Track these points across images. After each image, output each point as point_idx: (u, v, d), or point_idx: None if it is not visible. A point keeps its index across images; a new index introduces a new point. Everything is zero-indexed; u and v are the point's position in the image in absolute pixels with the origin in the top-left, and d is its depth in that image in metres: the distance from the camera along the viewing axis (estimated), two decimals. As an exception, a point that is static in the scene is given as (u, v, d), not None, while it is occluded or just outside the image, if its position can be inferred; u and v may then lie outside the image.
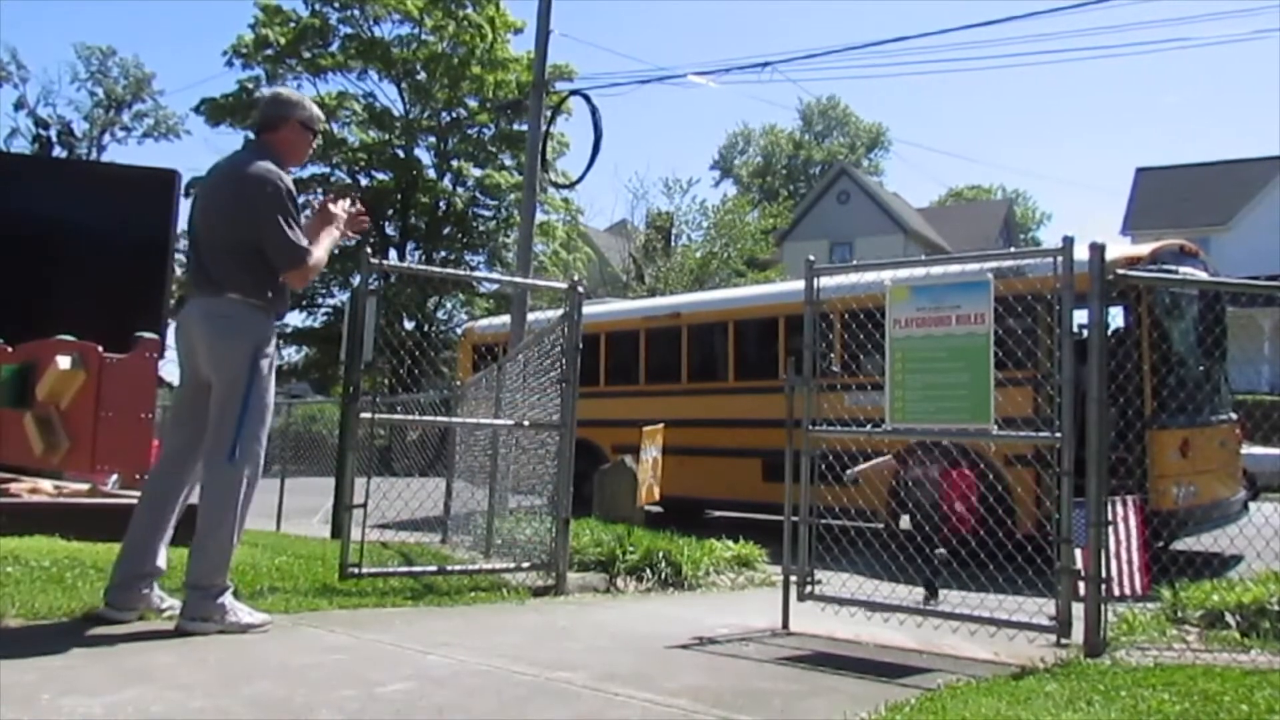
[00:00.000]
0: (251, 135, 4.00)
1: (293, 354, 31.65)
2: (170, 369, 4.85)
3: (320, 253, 3.85)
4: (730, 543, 6.51)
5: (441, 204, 30.64)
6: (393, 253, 29.27)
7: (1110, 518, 3.99)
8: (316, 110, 4.06)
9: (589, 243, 32.82)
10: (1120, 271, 4.48)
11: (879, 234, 36.56)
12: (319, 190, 29.94)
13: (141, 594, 3.71)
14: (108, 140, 40.60)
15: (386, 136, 29.58)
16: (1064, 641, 3.89)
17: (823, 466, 4.74)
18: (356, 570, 4.82)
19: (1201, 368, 7.93)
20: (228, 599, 3.67)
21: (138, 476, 5.73)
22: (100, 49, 40.29)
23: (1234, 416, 8.52)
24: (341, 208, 4.04)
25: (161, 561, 3.75)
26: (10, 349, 5.50)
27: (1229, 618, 4.21)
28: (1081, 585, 3.88)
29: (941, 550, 5.52)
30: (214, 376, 3.69)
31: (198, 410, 3.74)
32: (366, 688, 2.97)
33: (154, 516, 3.74)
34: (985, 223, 43.76)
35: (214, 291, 3.71)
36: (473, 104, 30.18)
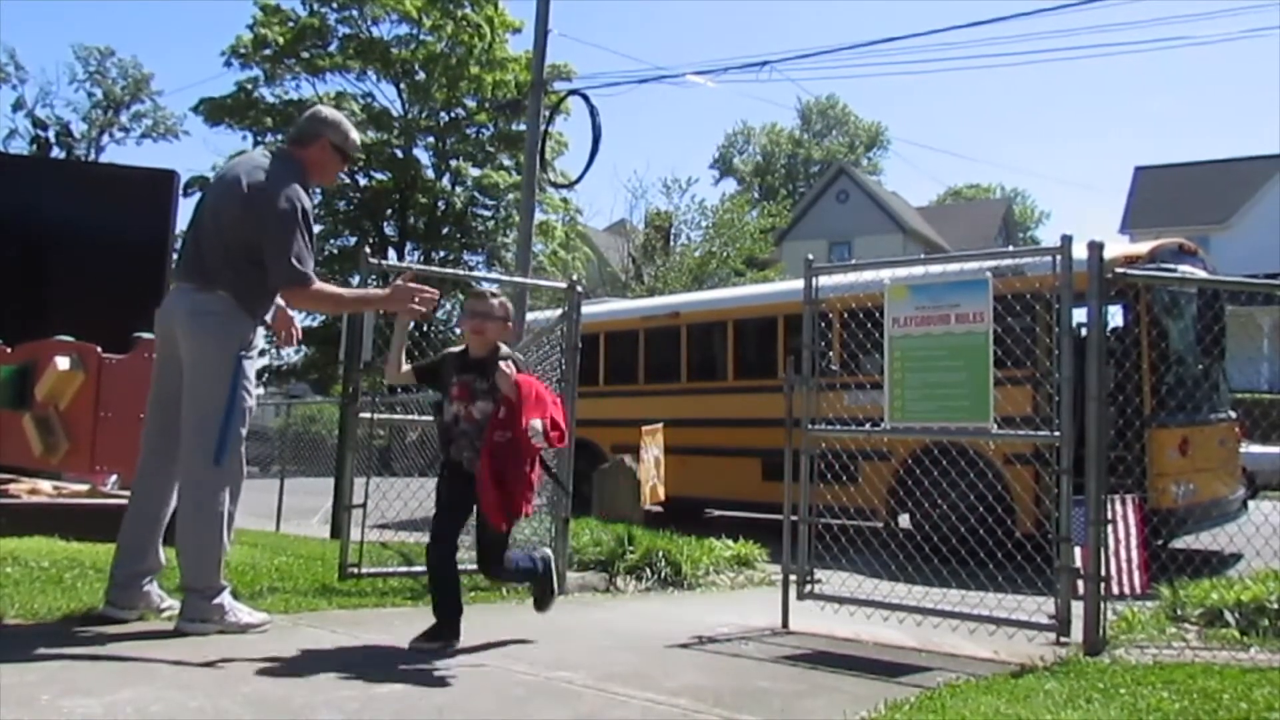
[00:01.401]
0: (287, 145, 3.97)
1: (292, 354, 31.60)
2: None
3: (332, 289, 3.83)
4: (730, 542, 6.51)
5: (440, 204, 30.61)
6: (391, 253, 29.23)
7: (1109, 516, 4.00)
8: (354, 135, 4.02)
9: (588, 242, 32.79)
10: (1119, 270, 4.48)
11: (878, 233, 36.57)
12: (318, 189, 29.91)
13: (142, 592, 3.71)
14: (106, 141, 40.55)
15: (385, 137, 29.53)
16: (1063, 640, 3.89)
17: (822, 466, 4.74)
18: (356, 570, 4.82)
19: (1200, 366, 7.93)
20: (226, 599, 3.67)
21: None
22: (99, 49, 40.22)
23: (1233, 415, 8.52)
24: (401, 285, 3.90)
25: (160, 556, 3.75)
26: (9, 349, 5.50)
27: (1228, 616, 4.21)
28: (1081, 584, 3.88)
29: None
30: (193, 372, 3.65)
31: (178, 401, 3.70)
32: (366, 688, 2.97)
33: (148, 513, 3.73)
34: (984, 221, 43.77)
35: (204, 285, 3.68)
36: (471, 104, 30.15)
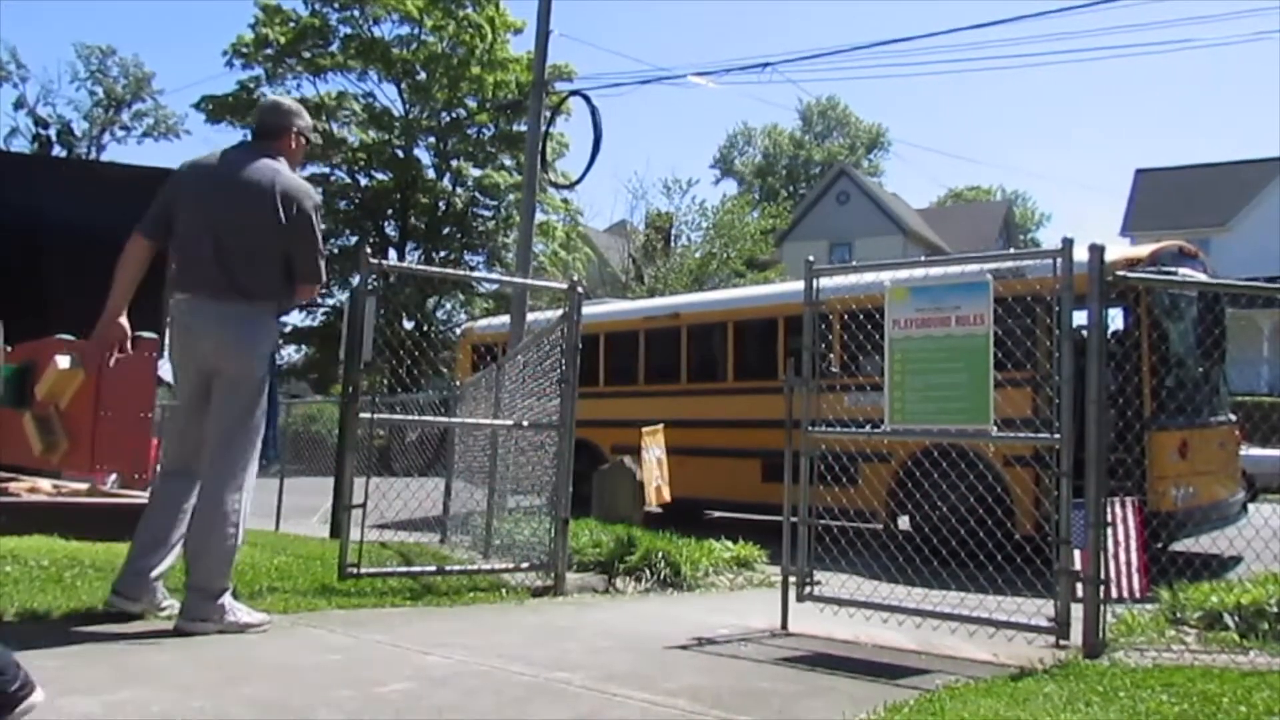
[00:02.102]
0: (250, 139, 3.98)
1: (292, 354, 31.65)
2: (168, 368, 4.84)
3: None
4: (729, 543, 6.51)
5: (441, 204, 30.64)
6: (392, 253, 29.26)
7: (1109, 519, 3.99)
8: (309, 120, 4.16)
9: (588, 243, 32.81)
10: (1120, 273, 4.49)
11: (878, 234, 36.58)
12: (319, 189, 29.89)
13: (150, 585, 3.73)
14: (107, 139, 40.58)
15: (386, 136, 29.57)
16: (1063, 643, 3.89)
17: (822, 467, 4.74)
18: (355, 570, 4.82)
19: (1200, 369, 7.93)
20: (227, 599, 3.68)
21: (136, 476, 5.74)
22: (100, 48, 40.26)
23: (1233, 418, 8.53)
24: None
25: (175, 554, 3.76)
26: (10, 349, 5.49)
27: (1228, 619, 4.21)
28: (1080, 586, 3.88)
29: None
30: (235, 380, 3.74)
31: (204, 407, 3.79)
32: (365, 688, 2.97)
33: (170, 516, 3.75)
34: (984, 223, 43.77)
35: (240, 297, 3.74)
36: (472, 104, 30.16)
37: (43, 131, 37.49)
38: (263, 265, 3.75)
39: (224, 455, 3.68)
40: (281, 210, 3.72)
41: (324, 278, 3.96)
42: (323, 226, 4.02)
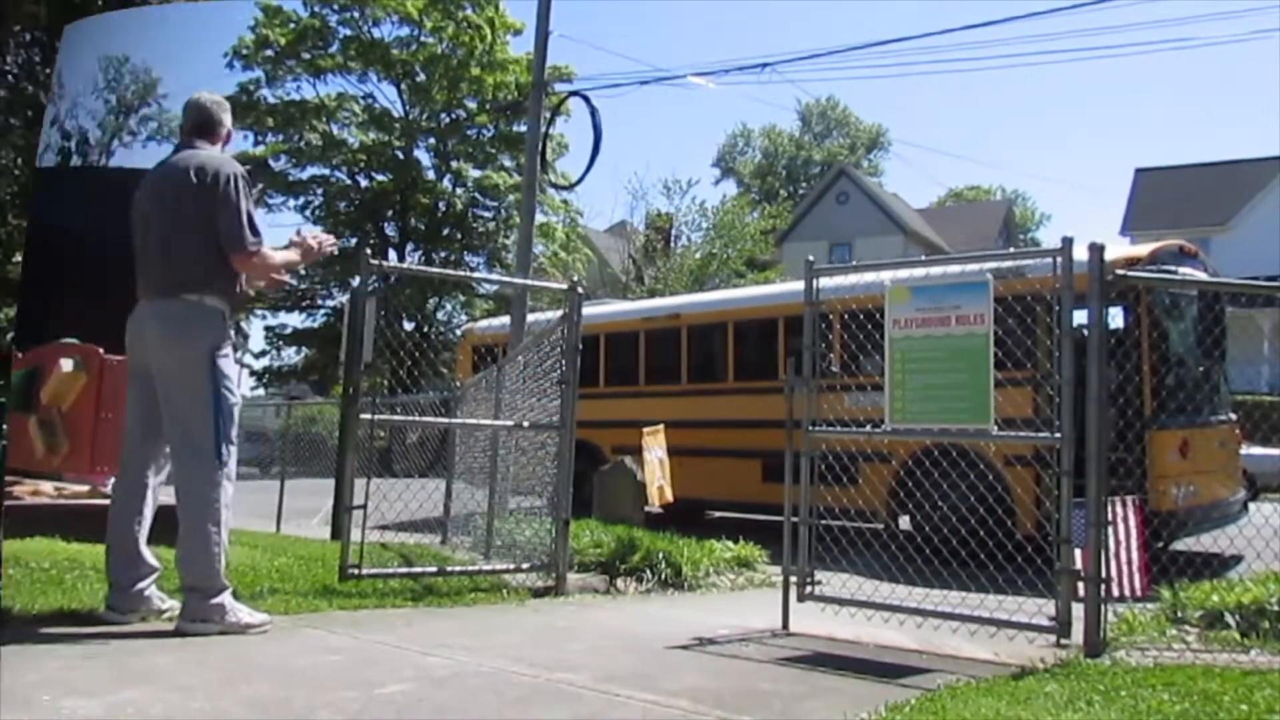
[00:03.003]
0: (186, 135, 3.97)
1: (292, 355, 31.65)
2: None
3: (277, 256, 3.89)
4: (730, 543, 6.51)
5: (441, 205, 30.63)
6: (392, 253, 29.26)
7: (1110, 518, 4.00)
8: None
9: (588, 244, 32.79)
10: (1120, 272, 4.48)
11: (878, 234, 36.56)
12: (319, 190, 29.95)
13: (142, 596, 3.72)
14: (116, 146, 40.62)
15: (386, 138, 29.55)
16: (1064, 642, 3.89)
17: (823, 467, 4.74)
18: (356, 571, 4.82)
19: (1201, 368, 7.93)
20: (227, 599, 3.68)
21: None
22: (116, 58, 40.27)
23: (1233, 417, 8.53)
24: (309, 236, 4.08)
25: (153, 560, 3.75)
26: (20, 354, 5.52)
27: (1229, 618, 4.21)
28: (1081, 586, 3.88)
29: None
30: (172, 379, 3.70)
31: (153, 410, 3.77)
32: (367, 688, 2.98)
33: (134, 518, 3.74)
34: (985, 223, 43.76)
35: (169, 293, 3.73)
36: (472, 105, 30.16)
37: (66, 144, 37.53)
38: (199, 251, 3.70)
39: (190, 456, 3.66)
40: (195, 178, 3.70)
41: (248, 243, 3.70)
42: (317, 228, 4.02)
